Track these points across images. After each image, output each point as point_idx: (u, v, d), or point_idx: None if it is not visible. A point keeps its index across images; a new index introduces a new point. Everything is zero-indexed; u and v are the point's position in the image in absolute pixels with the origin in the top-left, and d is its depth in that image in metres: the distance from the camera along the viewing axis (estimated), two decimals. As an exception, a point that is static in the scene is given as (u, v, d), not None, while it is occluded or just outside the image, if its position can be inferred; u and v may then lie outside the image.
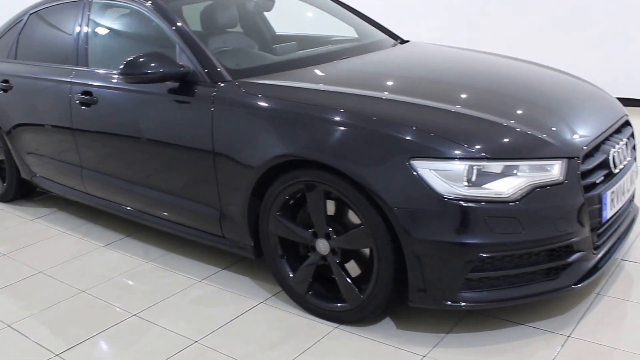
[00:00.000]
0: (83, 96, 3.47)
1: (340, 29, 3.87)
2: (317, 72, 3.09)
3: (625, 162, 2.67)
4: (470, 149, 2.27)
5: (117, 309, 2.93)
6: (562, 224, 2.30)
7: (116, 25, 3.70)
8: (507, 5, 6.34)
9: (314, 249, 2.63)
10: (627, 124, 2.88)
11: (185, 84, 2.96)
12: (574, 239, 2.34)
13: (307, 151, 2.51)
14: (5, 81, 4.12)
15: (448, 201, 2.23)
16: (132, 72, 2.91)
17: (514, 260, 2.31)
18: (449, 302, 2.34)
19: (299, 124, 2.58)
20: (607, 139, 2.63)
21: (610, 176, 2.53)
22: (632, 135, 2.91)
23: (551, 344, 2.37)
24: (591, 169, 2.43)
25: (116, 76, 3.31)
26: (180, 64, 2.95)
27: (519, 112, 2.61)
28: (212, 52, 3.06)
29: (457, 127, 2.40)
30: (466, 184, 2.25)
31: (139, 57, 2.89)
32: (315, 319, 2.68)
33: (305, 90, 2.83)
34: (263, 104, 2.72)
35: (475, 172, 2.25)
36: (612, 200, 2.51)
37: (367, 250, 2.54)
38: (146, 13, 3.28)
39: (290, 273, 2.74)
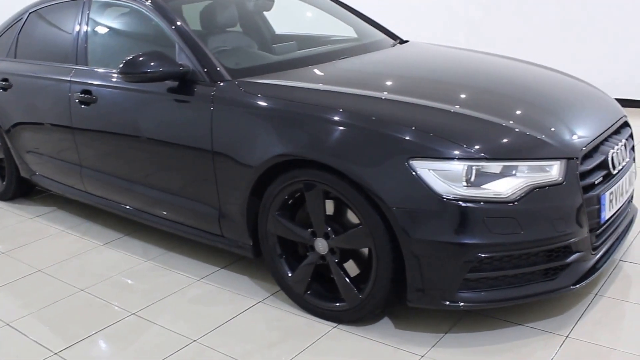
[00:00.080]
0: (82, 95, 3.47)
1: (339, 28, 3.87)
2: (317, 71, 3.09)
3: (624, 163, 2.67)
4: (469, 149, 2.28)
5: (116, 307, 2.93)
6: (561, 224, 2.30)
7: (116, 24, 3.70)
8: (507, 6, 6.33)
9: (312, 248, 2.63)
10: (626, 124, 2.89)
11: (184, 83, 2.96)
12: (572, 240, 2.34)
13: (306, 151, 2.51)
14: (5, 80, 4.12)
15: (447, 201, 2.24)
16: (131, 71, 2.91)
17: (512, 260, 2.31)
18: (448, 302, 2.35)
19: (298, 124, 2.58)
20: (606, 139, 2.63)
21: (609, 177, 2.53)
22: (631, 136, 2.91)
23: (549, 344, 2.38)
24: (590, 170, 2.43)
25: (115, 75, 3.31)
26: (179, 63, 2.95)
27: (518, 112, 2.62)
28: (212, 52, 3.06)
29: (456, 127, 2.40)
30: (465, 184, 2.25)
31: (138, 56, 2.89)
32: (314, 318, 2.68)
33: (305, 89, 2.83)
34: (262, 103, 2.72)
35: (474, 172, 2.26)
36: (611, 201, 2.52)
37: (365, 250, 2.54)
38: (146, 12, 3.28)
39: (289, 272, 2.74)
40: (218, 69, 2.93)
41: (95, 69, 3.52)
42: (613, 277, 2.81)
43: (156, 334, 2.69)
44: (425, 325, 2.55)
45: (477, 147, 2.29)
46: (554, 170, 2.31)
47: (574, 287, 2.41)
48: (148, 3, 3.27)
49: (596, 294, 2.68)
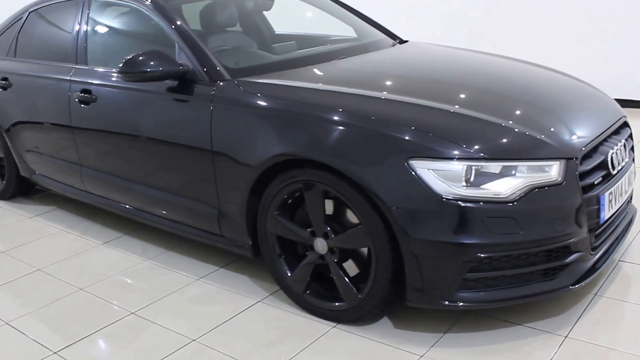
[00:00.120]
0: (82, 94, 3.47)
1: (339, 28, 3.87)
2: (316, 71, 3.09)
3: (623, 164, 2.67)
4: (468, 149, 2.28)
5: (115, 307, 2.93)
6: (560, 224, 2.30)
7: (115, 23, 3.70)
8: (507, 6, 6.34)
9: (312, 248, 2.63)
10: (625, 125, 2.89)
11: (184, 83, 2.96)
12: (571, 240, 2.34)
13: (305, 150, 2.51)
14: (5, 79, 4.12)
15: (446, 201, 2.24)
16: (131, 71, 2.91)
17: (511, 260, 2.32)
18: (447, 302, 2.35)
19: (297, 124, 2.58)
20: (605, 140, 2.63)
21: (608, 177, 2.54)
22: (631, 136, 2.91)
23: (549, 344, 2.38)
24: (589, 170, 2.44)
25: (115, 74, 3.30)
26: (179, 62, 2.95)
27: (518, 112, 2.62)
28: (211, 51, 3.05)
29: (456, 127, 2.40)
30: (464, 184, 2.25)
31: (138, 55, 2.89)
32: (313, 318, 2.69)
33: (304, 89, 2.83)
34: (262, 103, 2.72)
35: (473, 172, 2.26)
36: (610, 201, 2.52)
37: (365, 250, 2.54)
38: (145, 11, 3.28)
39: (288, 272, 2.74)
40: (218, 68, 2.93)
41: (95, 69, 3.52)
42: (612, 277, 2.81)
43: (155, 333, 2.69)
44: (425, 325, 2.55)
45: (476, 147, 2.29)
46: (553, 171, 2.32)
47: (573, 287, 2.41)
48: (148, 2, 3.27)
49: (595, 294, 2.68)
